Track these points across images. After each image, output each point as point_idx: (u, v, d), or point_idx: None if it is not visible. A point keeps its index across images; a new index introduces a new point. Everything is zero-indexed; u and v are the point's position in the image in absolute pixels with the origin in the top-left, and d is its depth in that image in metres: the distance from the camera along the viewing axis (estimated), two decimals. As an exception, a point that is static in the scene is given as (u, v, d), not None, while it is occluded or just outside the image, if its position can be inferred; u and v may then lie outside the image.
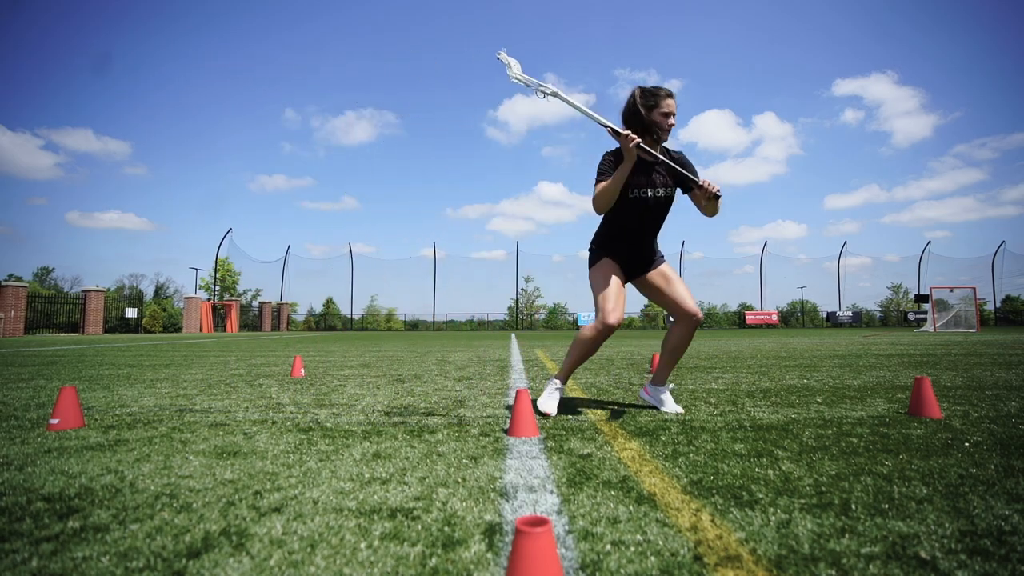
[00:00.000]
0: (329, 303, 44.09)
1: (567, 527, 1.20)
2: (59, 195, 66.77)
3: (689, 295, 2.65)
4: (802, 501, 1.36)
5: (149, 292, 40.24)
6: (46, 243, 66.65)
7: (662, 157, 2.47)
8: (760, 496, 1.39)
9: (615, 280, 2.59)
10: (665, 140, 2.52)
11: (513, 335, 19.51)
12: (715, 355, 7.00)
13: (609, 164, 2.51)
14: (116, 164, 65.07)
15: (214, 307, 32.56)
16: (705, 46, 78.76)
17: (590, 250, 2.78)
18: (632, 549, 1.09)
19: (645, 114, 2.46)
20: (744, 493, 1.42)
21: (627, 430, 2.23)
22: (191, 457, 1.83)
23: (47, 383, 4.06)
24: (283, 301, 40.31)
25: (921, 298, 25.36)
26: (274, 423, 2.43)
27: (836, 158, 67.80)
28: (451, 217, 67.21)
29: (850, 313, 40.87)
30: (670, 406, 2.68)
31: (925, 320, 27.91)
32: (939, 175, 65.02)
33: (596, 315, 2.56)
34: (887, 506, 1.32)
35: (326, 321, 42.60)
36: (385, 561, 1.04)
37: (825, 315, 41.36)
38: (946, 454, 1.80)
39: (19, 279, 27.44)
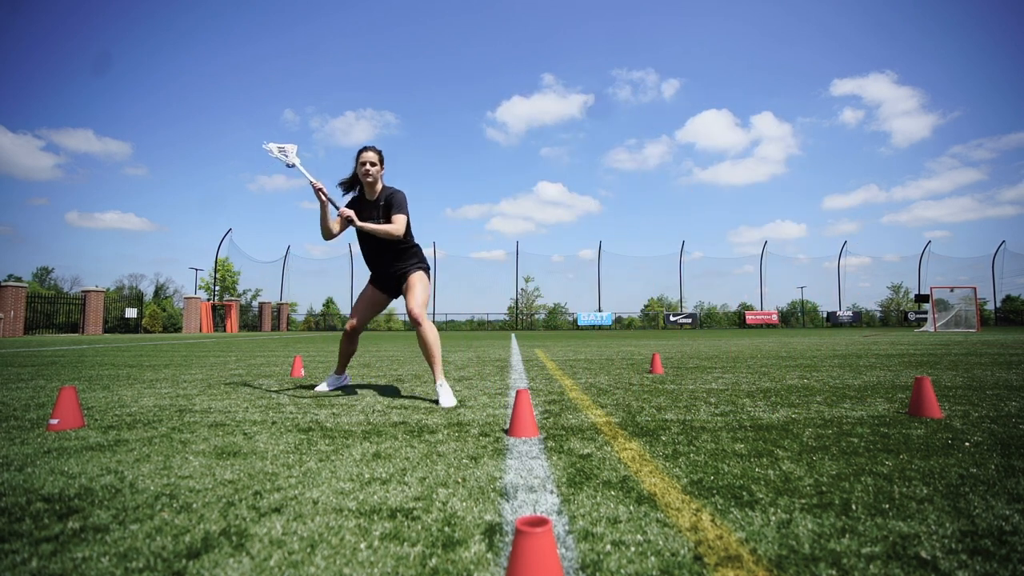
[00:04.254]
0: (329, 303, 44.08)
1: (567, 527, 1.20)
2: (59, 195, 66.72)
3: (415, 297, 3.21)
4: (802, 501, 1.35)
5: (149, 292, 40.21)
6: (46, 243, 66.59)
7: (326, 198, 3.18)
8: (760, 496, 1.39)
9: (362, 297, 3.48)
10: (372, 183, 3.24)
11: (513, 335, 19.51)
12: (715, 355, 7.00)
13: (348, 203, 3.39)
14: (116, 164, 65.00)
15: (214, 307, 32.55)
16: (702, 45, 78.44)
17: None
18: (632, 549, 1.08)
19: (355, 168, 3.28)
20: (744, 493, 1.42)
21: (627, 430, 2.23)
22: (191, 457, 1.83)
23: (47, 383, 4.06)
24: (283, 301, 40.30)
25: (921, 298, 25.31)
26: (274, 423, 2.43)
27: (835, 158, 67.60)
28: (450, 217, 66.96)
29: (850, 313, 40.85)
30: (444, 399, 3.00)
31: (925, 320, 27.91)
32: (937, 175, 64.82)
33: None
34: (887, 506, 1.31)
35: (326, 321, 42.59)
36: (385, 561, 1.04)
37: (825, 315, 41.34)
38: (947, 454, 1.80)
39: (19, 279, 27.44)
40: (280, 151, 3.33)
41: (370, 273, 3.47)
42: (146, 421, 2.50)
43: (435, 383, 3.19)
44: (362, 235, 3.30)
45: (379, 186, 3.28)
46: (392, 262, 3.33)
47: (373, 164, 3.20)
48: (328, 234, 3.25)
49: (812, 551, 1.07)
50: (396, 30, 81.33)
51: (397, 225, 3.16)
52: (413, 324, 3.14)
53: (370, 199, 3.28)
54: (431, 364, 3.15)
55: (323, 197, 3.16)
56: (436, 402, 3.05)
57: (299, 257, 71.34)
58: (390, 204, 3.24)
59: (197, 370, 5.19)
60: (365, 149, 3.22)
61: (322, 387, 3.57)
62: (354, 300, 3.55)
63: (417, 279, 3.28)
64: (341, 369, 3.66)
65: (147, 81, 67.17)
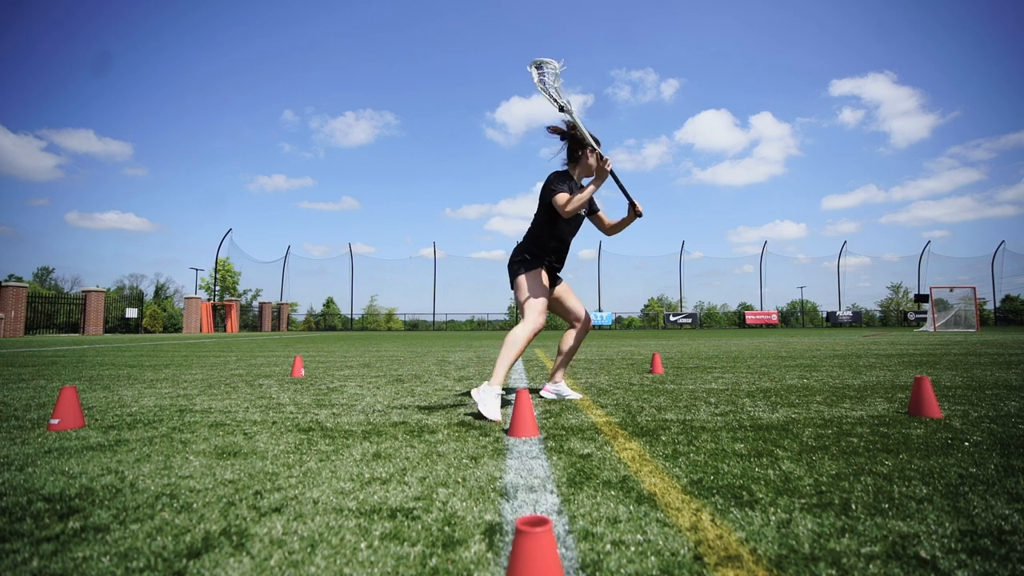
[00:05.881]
0: (329, 303, 44.10)
1: (567, 527, 1.20)
2: (59, 196, 66.84)
3: (582, 304, 3.17)
4: (802, 501, 1.36)
5: (149, 292, 40.29)
6: (46, 243, 66.76)
7: (616, 180, 2.84)
8: (760, 496, 1.39)
9: (546, 289, 2.92)
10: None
11: (513, 335, 19.49)
12: (715, 355, 7.00)
13: (561, 180, 2.90)
14: (117, 165, 65.13)
15: (214, 307, 32.56)
16: (702, 45, 78.58)
17: (523, 258, 2.95)
18: (632, 549, 1.09)
19: (584, 132, 2.85)
20: (744, 493, 1.42)
21: (627, 430, 2.23)
22: (191, 457, 1.83)
23: (47, 383, 4.07)
24: (283, 301, 40.30)
25: (921, 298, 25.30)
26: (274, 423, 2.43)
27: (834, 158, 67.66)
28: (450, 217, 66.97)
29: (850, 313, 40.84)
30: (570, 393, 3.16)
31: (925, 320, 27.90)
32: (936, 175, 64.92)
33: (528, 317, 2.78)
34: (887, 506, 1.32)
35: (326, 321, 42.60)
36: (385, 561, 1.04)
37: (825, 315, 41.34)
38: (946, 454, 1.80)
39: (19, 279, 27.45)
40: (550, 77, 2.76)
41: (536, 260, 2.93)
42: (146, 421, 2.50)
43: (559, 380, 3.16)
44: (570, 224, 2.98)
45: None
46: (566, 257, 3.13)
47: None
48: (573, 215, 2.85)
49: (812, 551, 1.07)
50: (396, 30, 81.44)
51: None
52: (583, 325, 3.11)
53: (606, 180, 2.87)
54: (565, 364, 3.15)
55: (609, 173, 2.76)
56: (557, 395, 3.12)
57: (299, 257, 71.37)
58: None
59: (197, 370, 5.20)
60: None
61: (490, 408, 2.51)
62: (541, 296, 2.85)
63: (567, 286, 3.17)
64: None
65: (147, 81, 67.28)
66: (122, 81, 67.32)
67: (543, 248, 2.97)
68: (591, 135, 2.82)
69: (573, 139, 2.91)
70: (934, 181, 64.55)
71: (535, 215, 3.02)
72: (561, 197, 2.81)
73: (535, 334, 2.76)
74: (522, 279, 2.88)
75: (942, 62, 67.48)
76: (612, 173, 2.78)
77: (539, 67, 2.79)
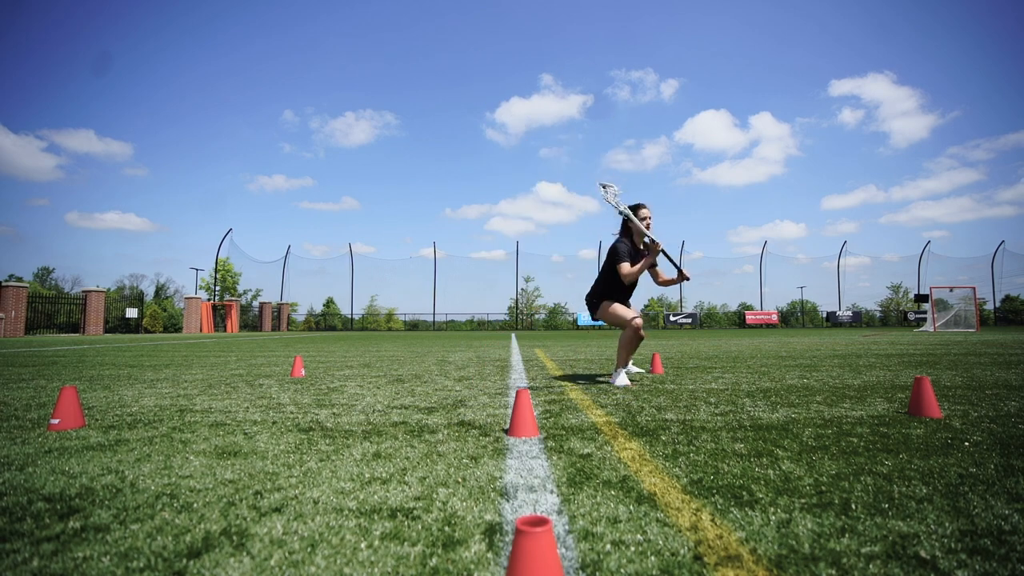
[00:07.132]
0: (329, 303, 44.07)
1: (567, 527, 1.20)
2: (60, 196, 66.77)
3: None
4: (802, 501, 1.36)
5: (149, 292, 40.32)
6: (46, 243, 66.73)
7: (666, 255, 3.82)
8: (760, 496, 1.40)
9: (626, 307, 3.92)
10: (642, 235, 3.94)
11: (513, 335, 19.52)
12: (715, 355, 7.00)
13: (625, 249, 3.82)
14: (117, 165, 65.05)
15: (214, 307, 32.55)
16: (702, 45, 78.47)
17: (595, 302, 3.99)
18: (632, 549, 1.09)
19: (628, 222, 3.89)
20: (744, 493, 1.42)
21: (627, 430, 2.23)
22: (191, 457, 1.83)
23: (48, 383, 4.07)
24: (283, 301, 40.29)
25: (921, 298, 25.27)
26: (274, 423, 2.43)
27: (834, 158, 67.52)
28: (450, 217, 66.80)
29: (850, 313, 40.82)
30: (635, 369, 4.50)
31: (925, 320, 27.91)
32: (935, 175, 64.77)
33: (628, 324, 3.77)
34: (887, 506, 1.32)
35: (326, 321, 42.60)
36: (385, 561, 1.04)
37: (825, 315, 41.32)
38: (946, 454, 1.80)
39: (20, 279, 27.43)
40: (612, 195, 3.85)
41: (611, 299, 3.94)
42: (147, 421, 2.50)
43: (625, 368, 3.87)
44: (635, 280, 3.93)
45: None
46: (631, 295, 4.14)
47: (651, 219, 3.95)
48: (656, 280, 4.06)
49: (812, 551, 1.07)
50: (396, 30, 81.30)
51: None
52: (639, 330, 3.79)
53: (636, 248, 3.91)
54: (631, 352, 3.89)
55: (660, 251, 3.77)
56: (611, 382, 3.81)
57: (299, 257, 71.34)
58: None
59: (198, 370, 5.20)
60: (644, 206, 3.88)
61: (623, 380, 3.75)
62: (622, 306, 3.94)
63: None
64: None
65: (147, 81, 67.21)
66: (122, 81, 67.20)
67: (613, 291, 3.93)
68: (644, 227, 3.80)
69: (626, 225, 3.95)
70: (934, 181, 64.48)
71: (602, 272, 3.98)
72: (625, 267, 3.76)
73: (638, 330, 3.74)
74: (608, 308, 3.89)
75: (942, 62, 67.38)
76: (664, 251, 3.75)
77: (604, 187, 3.91)
